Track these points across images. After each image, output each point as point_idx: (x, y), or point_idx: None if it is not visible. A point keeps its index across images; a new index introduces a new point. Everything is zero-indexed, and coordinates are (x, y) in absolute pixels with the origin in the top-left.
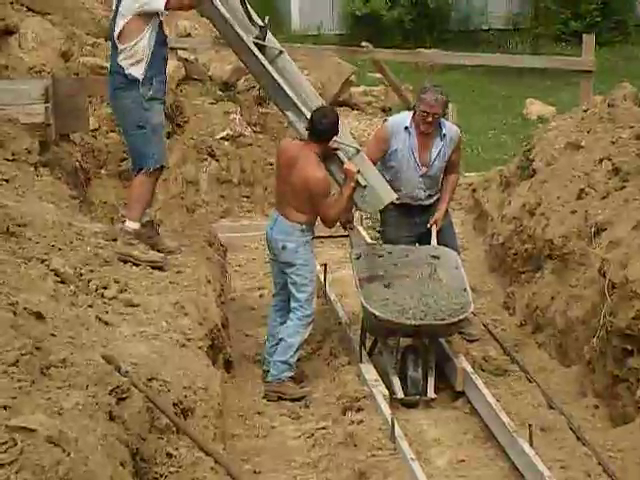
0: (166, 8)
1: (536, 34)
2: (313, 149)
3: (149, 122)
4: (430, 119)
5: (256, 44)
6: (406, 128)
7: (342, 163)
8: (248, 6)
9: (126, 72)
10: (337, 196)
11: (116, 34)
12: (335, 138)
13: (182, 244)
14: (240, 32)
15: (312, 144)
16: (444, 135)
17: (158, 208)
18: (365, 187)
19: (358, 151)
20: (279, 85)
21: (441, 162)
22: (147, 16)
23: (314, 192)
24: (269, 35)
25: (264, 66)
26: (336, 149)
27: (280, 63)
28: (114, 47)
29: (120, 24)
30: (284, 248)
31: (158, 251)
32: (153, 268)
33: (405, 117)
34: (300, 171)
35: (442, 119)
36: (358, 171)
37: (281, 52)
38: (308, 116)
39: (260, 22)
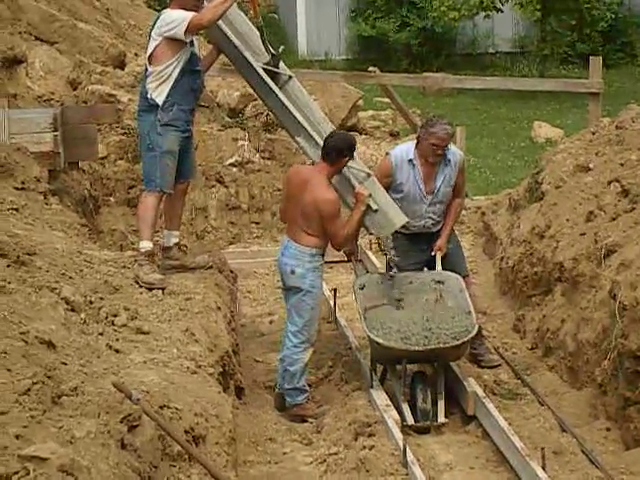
0: (187, 32)
1: (543, 57)
2: (324, 172)
3: (159, 146)
4: (440, 152)
5: (265, 70)
6: (410, 161)
7: (353, 187)
8: (265, 34)
9: (149, 96)
10: (347, 219)
11: (147, 55)
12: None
13: (209, 260)
14: (249, 57)
15: (323, 166)
16: (449, 160)
17: None
18: (376, 211)
19: (369, 175)
20: (289, 111)
21: (447, 187)
22: (177, 43)
23: (324, 213)
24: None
25: (273, 92)
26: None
27: (289, 89)
28: (146, 70)
29: (152, 46)
30: (293, 272)
31: (189, 269)
32: (150, 290)
33: (408, 149)
34: (311, 193)
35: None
36: (369, 195)
37: (290, 77)
38: (318, 141)
39: (273, 51)
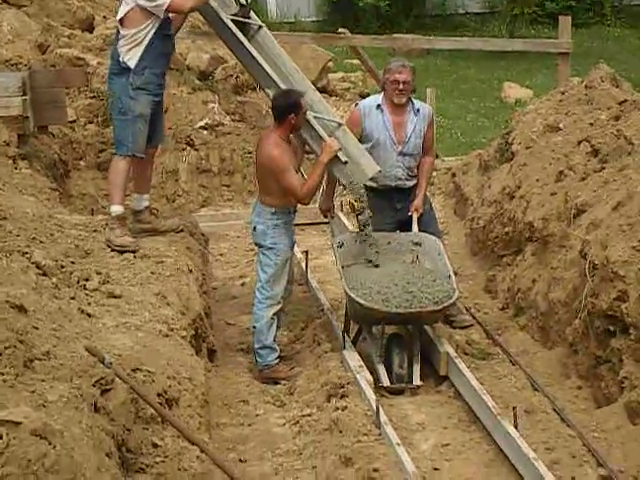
0: (165, 12)
1: (512, 17)
2: (273, 130)
3: (132, 110)
4: (401, 87)
5: (234, 21)
6: (378, 106)
7: (321, 139)
8: None
9: (121, 59)
10: (310, 171)
11: (118, 17)
12: (312, 114)
13: (180, 223)
14: (216, 7)
15: (273, 126)
16: (418, 110)
17: None
18: (346, 163)
19: (340, 125)
20: (257, 62)
21: (417, 138)
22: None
23: (271, 169)
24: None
25: (242, 43)
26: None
27: (260, 39)
28: (117, 33)
29: (123, 10)
30: (255, 229)
31: (160, 233)
32: (122, 252)
33: (376, 97)
34: (260, 152)
35: (414, 99)
36: (339, 148)
37: (260, 27)
38: None
39: (242, 1)
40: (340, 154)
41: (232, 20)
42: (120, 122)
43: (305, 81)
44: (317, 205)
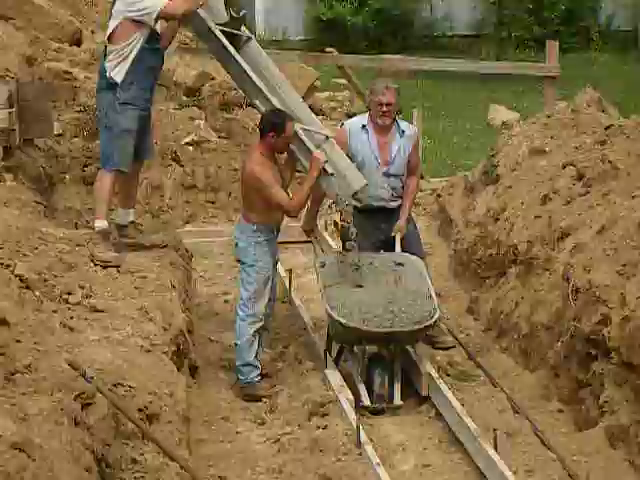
0: (156, 20)
1: (500, 40)
2: (257, 148)
3: (117, 125)
4: (385, 109)
5: (223, 32)
6: (364, 126)
7: (310, 151)
8: None
9: (108, 74)
10: (299, 186)
11: (107, 33)
12: (300, 126)
13: (164, 238)
14: (204, 16)
15: (258, 142)
16: (403, 132)
17: None
18: (333, 175)
19: (327, 138)
20: (246, 73)
21: (402, 159)
22: (139, 23)
23: (253, 186)
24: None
25: (230, 53)
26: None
27: (248, 50)
28: (105, 47)
29: (112, 25)
30: (236, 245)
31: (144, 248)
32: (105, 267)
33: (362, 117)
34: (243, 169)
35: (399, 120)
36: (326, 161)
37: (249, 38)
38: (275, 104)
39: (234, 13)
40: (327, 166)
41: (221, 31)
42: (106, 137)
43: (293, 93)
44: (300, 225)
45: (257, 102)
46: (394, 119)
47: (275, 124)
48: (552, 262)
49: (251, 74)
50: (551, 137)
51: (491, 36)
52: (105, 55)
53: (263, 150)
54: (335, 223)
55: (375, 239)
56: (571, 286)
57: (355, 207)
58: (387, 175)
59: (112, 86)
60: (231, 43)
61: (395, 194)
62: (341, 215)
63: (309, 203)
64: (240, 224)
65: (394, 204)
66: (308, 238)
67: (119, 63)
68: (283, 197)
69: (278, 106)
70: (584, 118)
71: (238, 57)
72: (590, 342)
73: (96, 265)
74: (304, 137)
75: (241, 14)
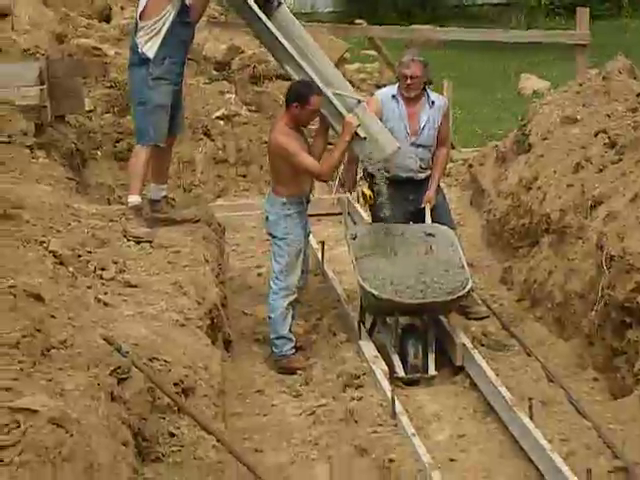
0: None
1: (530, 8)
2: (282, 118)
3: (151, 100)
4: (409, 82)
5: None
6: (393, 96)
7: (342, 116)
8: None
9: (140, 50)
10: (332, 148)
11: (139, 11)
12: (331, 90)
13: (197, 213)
14: None
15: (283, 113)
16: (432, 102)
17: None
18: (365, 139)
19: (359, 102)
20: (277, 39)
21: (431, 129)
22: None
23: (281, 156)
24: None
25: (261, 19)
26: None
27: (279, 16)
28: (136, 24)
29: (143, 2)
30: (267, 219)
31: (176, 222)
32: (138, 242)
33: (392, 87)
34: (269, 141)
35: (429, 90)
36: (358, 125)
37: (280, 4)
38: (307, 69)
39: None
40: (359, 130)
41: None
42: (140, 112)
43: (325, 58)
44: (339, 175)
45: (289, 68)
46: (424, 89)
47: (300, 94)
48: (585, 230)
49: (282, 40)
50: (583, 105)
51: (521, 4)
52: (136, 31)
53: (287, 121)
54: (363, 194)
55: (405, 210)
56: (605, 254)
57: (384, 179)
58: (415, 145)
59: (144, 62)
60: (262, 9)
61: (424, 165)
62: (369, 186)
63: (346, 164)
64: (270, 197)
65: (423, 175)
66: (349, 190)
67: (151, 38)
68: (311, 162)
69: (309, 71)
70: (616, 86)
71: (269, 23)
72: (624, 310)
73: (129, 240)
74: (336, 101)
75: None
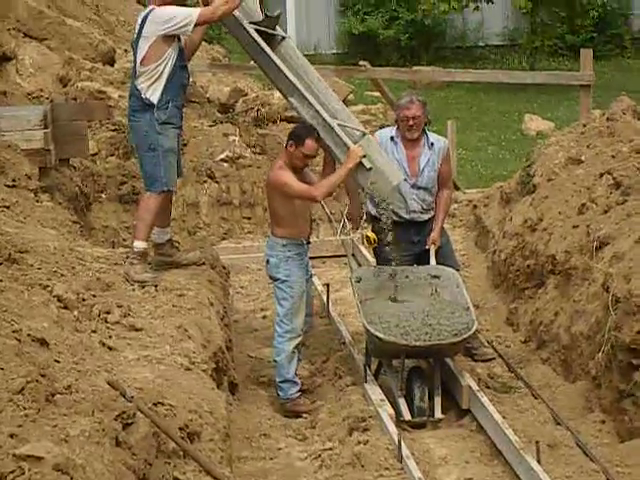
0: (195, 27)
1: (533, 49)
2: (280, 157)
3: (161, 145)
4: (411, 122)
5: (258, 32)
6: (392, 138)
7: (347, 147)
8: None
9: (143, 96)
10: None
11: (140, 57)
12: (336, 121)
13: (202, 256)
14: (238, 16)
15: (281, 154)
16: (432, 144)
17: None
18: (370, 169)
19: (364, 134)
20: (281, 71)
21: (431, 171)
22: (170, 39)
23: (276, 190)
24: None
25: (263, 50)
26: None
27: (283, 49)
28: (134, 70)
29: (144, 47)
30: (267, 262)
31: (181, 266)
32: (142, 287)
33: (391, 129)
34: (267, 181)
35: (428, 132)
36: (364, 156)
37: (284, 38)
38: (311, 101)
39: (268, 13)
40: (364, 160)
41: (256, 30)
42: (150, 159)
43: (328, 90)
44: (345, 213)
45: (293, 100)
46: (423, 131)
47: (297, 135)
48: (591, 272)
49: (286, 72)
50: (587, 146)
51: (524, 45)
52: (135, 77)
53: (284, 161)
54: (367, 237)
55: (409, 252)
56: (611, 295)
57: (390, 219)
58: (416, 187)
59: (148, 107)
60: (266, 42)
61: (425, 206)
62: (373, 228)
63: (349, 196)
64: (269, 240)
65: (425, 216)
66: (355, 227)
67: (153, 83)
68: (305, 186)
69: (314, 103)
70: (620, 126)
71: (273, 55)
72: (631, 352)
73: (142, 289)
74: (341, 132)
75: (276, 14)
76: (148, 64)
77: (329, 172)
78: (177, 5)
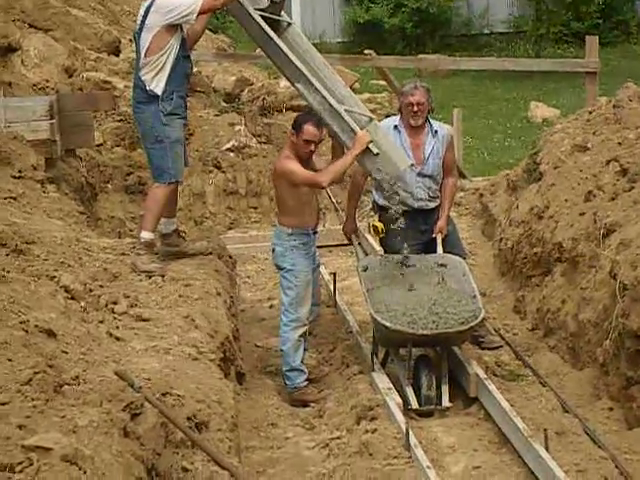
0: (198, 15)
1: (538, 36)
2: (286, 148)
3: (168, 137)
4: (416, 109)
5: (264, 18)
6: (395, 127)
7: (354, 133)
8: None
9: (147, 87)
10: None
11: (143, 48)
12: (343, 107)
13: (208, 245)
14: (245, 3)
15: (286, 145)
16: (436, 132)
17: None
18: (377, 154)
19: (371, 119)
20: (287, 57)
21: (435, 159)
22: (173, 29)
23: (282, 178)
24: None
25: (271, 38)
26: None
27: (289, 35)
28: (138, 61)
29: (147, 38)
30: (273, 251)
31: (188, 256)
32: (149, 277)
33: (394, 118)
34: (273, 171)
35: (432, 119)
36: (370, 141)
37: (289, 24)
38: (317, 87)
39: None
40: (371, 146)
41: (261, 16)
42: (157, 150)
43: (335, 75)
44: (341, 228)
45: (300, 87)
46: (427, 119)
47: (296, 122)
48: (598, 259)
49: (292, 58)
50: (593, 133)
51: (529, 33)
52: (139, 68)
53: (289, 151)
54: (374, 227)
55: (416, 241)
56: (618, 283)
57: (399, 209)
58: (422, 175)
59: (153, 98)
60: (272, 29)
61: (432, 194)
62: (380, 217)
63: (347, 202)
64: (276, 229)
65: (432, 204)
66: (349, 242)
67: (157, 74)
68: (310, 173)
69: (321, 89)
70: (626, 113)
71: (279, 41)
72: (639, 339)
73: (139, 274)
74: (348, 118)
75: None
76: (151, 55)
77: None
78: None
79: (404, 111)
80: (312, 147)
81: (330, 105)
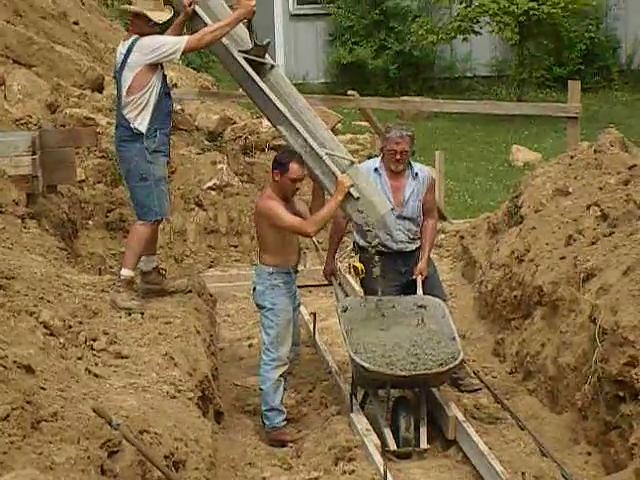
0: (182, 54)
1: (521, 80)
2: (269, 187)
3: (152, 174)
4: (398, 157)
5: (247, 60)
6: (376, 170)
7: (335, 176)
8: (253, 24)
9: (132, 125)
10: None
11: (125, 88)
12: (324, 151)
13: (189, 283)
14: (227, 44)
15: (269, 183)
16: (416, 174)
17: None
18: (358, 199)
19: (352, 163)
20: (270, 99)
21: (415, 201)
22: (155, 67)
23: (264, 217)
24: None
25: (252, 78)
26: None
27: (272, 78)
28: (119, 100)
29: (129, 77)
30: (254, 290)
31: (168, 293)
32: (129, 314)
33: (374, 161)
34: (255, 209)
35: (412, 161)
36: (351, 185)
37: (273, 67)
38: (299, 129)
39: (257, 41)
40: (352, 190)
41: (245, 58)
42: (142, 188)
43: (316, 118)
44: (322, 269)
45: (282, 129)
46: (408, 162)
47: (279, 162)
48: (578, 303)
49: (275, 100)
50: (574, 177)
51: (512, 77)
52: (122, 107)
53: (272, 189)
54: (355, 267)
55: (395, 282)
56: (597, 327)
57: (377, 252)
58: (401, 218)
59: (137, 136)
60: (255, 71)
61: (411, 236)
62: (360, 258)
63: (328, 244)
64: (257, 268)
65: (412, 246)
66: (329, 283)
67: (140, 112)
68: (296, 220)
69: (302, 132)
70: (607, 158)
71: (261, 84)
72: (618, 384)
73: (128, 316)
74: (329, 161)
75: (265, 42)
76: (133, 93)
77: (318, 201)
78: (156, 35)
79: (386, 155)
80: (298, 185)
81: (312, 148)
